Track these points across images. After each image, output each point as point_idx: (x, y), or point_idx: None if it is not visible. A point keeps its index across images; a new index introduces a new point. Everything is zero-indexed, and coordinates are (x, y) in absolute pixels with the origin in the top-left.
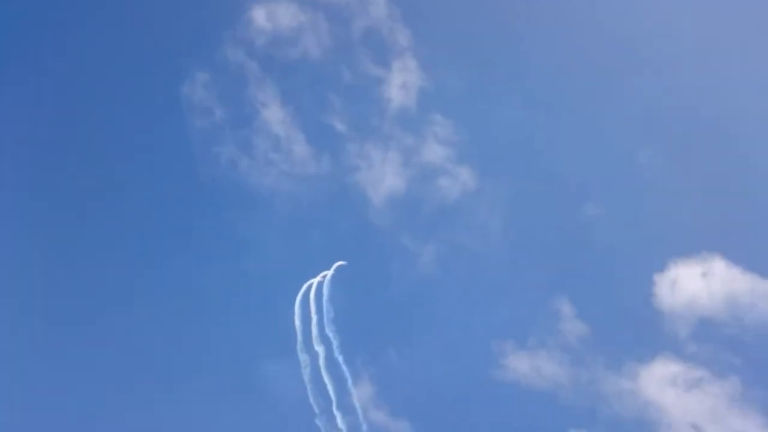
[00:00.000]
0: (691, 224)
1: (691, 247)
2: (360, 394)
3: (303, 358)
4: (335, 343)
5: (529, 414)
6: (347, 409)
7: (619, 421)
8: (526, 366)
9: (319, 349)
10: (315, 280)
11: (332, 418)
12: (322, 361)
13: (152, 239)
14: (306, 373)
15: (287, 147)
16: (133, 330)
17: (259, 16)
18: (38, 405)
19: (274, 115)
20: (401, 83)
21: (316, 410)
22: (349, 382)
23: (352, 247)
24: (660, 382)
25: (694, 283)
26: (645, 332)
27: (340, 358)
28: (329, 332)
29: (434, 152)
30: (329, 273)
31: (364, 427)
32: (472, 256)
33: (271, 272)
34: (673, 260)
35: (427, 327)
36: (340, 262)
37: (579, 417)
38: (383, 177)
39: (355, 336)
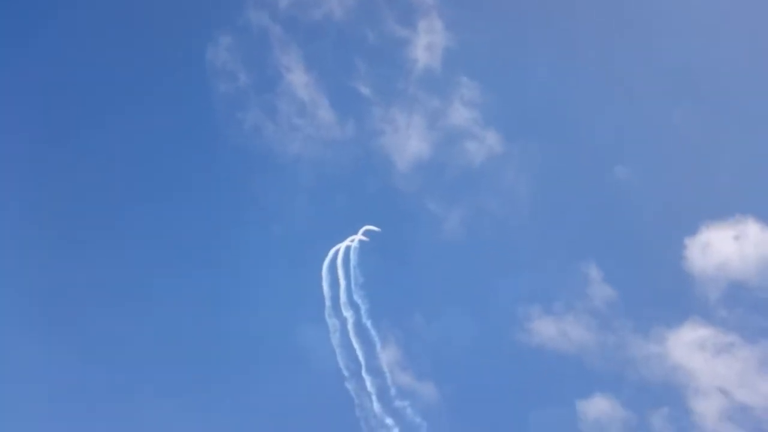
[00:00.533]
0: (724, 186)
1: (723, 210)
2: (386, 357)
3: (332, 322)
4: (363, 308)
5: (554, 378)
6: (375, 372)
7: (646, 385)
8: (553, 330)
9: (347, 313)
10: (342, 245)
11: (361, 381)
12: (350, 326)
13: (177, 207)
14: (335, 338)
15: (312, 111)
16: (161, 295)
17: None
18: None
19: (298, 79)
20: (426, 44)
21: (346, 374)
22: (378, 346)
23: (378, 212)
24: (689, 346)
25: (726, 247)
26: (674, 296)
27: (368, 323)
28: (357, 297)
29: (460, 115)
30: (357, 237)
31: (393, 390)
32: (498, 221)
33: (297, 238)
34: (705, 223)
35: (452, 291)
36: (369, 227)
37: (605, 381)
38: (408, 141)
39: (382, 300)
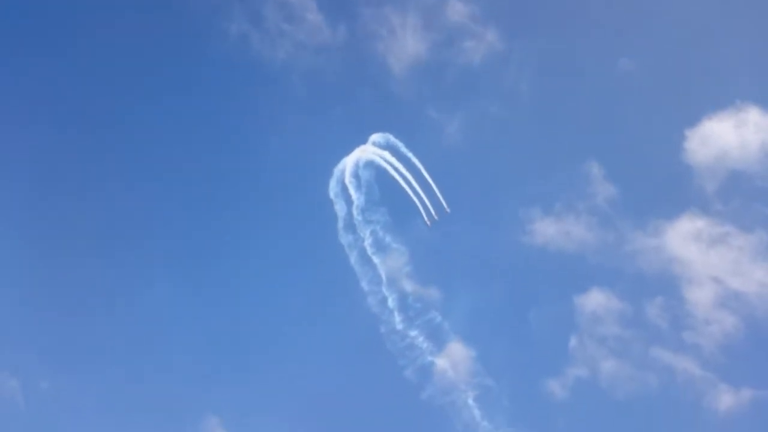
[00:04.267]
0: (725, 74)
1: (724, 99)
2: (390, 263)
3: (346, 239)
4: (369, 218)
5: (554, 276)
6: (376, 281)
7: (642, 277)
8: (554, 230)
9: (361, 230)
10: (353, 156)
11: (378, 293)
12: (367, 241)
13: (165, 124)
14: (353, 256)
15: (300, 15)
16: (167, 215)
17: None
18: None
19: None
20: None
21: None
22: (383, 254)
23: (376, 121)
24: (685, 238)
25: (727, 136)
26: (673, 189)
27: (380, 236)
28: (362, 206)
29: (457, 12)
30: (366, 149)
31: (410, 299)
32: (499, 123)
33: (293, 153)
34: (706, 114)
35: (455, 197)
36: (376, 135)
37: (603, 276)
38: (404, 43)
39: (384, 208)
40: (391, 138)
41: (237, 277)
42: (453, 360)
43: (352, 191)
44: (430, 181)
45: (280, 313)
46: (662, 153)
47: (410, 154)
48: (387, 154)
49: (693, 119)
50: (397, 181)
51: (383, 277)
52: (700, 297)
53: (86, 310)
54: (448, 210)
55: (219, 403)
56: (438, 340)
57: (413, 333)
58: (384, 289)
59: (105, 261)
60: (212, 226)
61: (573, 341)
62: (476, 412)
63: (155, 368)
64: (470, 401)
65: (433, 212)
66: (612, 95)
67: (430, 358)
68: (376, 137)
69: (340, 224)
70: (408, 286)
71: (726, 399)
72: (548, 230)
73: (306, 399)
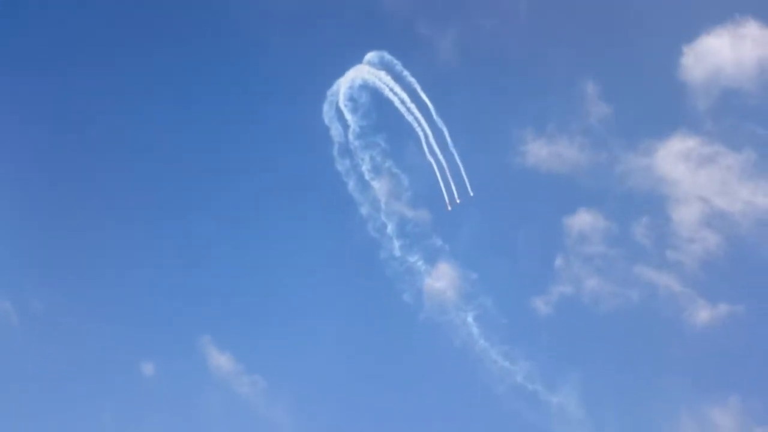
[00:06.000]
0: None
1: (724, 13)
2: (379, 186)
3: (341, 163)
4: (367, 143)
5: (543, 197)
6: (375, 206)
7: (630, 198)
8: (546, 152)
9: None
10: (347, 77)
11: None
12: (365, 166)
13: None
14: (350, 179)
15: None
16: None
17: None
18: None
19: None
20: None
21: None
22: (382, 179)
23: (367, 39)
24: (675, 157)
25: (723, 53)
26: (667, 107)
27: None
28: (358, 131)
29: None
30: (361, 68)
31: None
32: (492, 39)
33: (285, 75)
34: (705, 29)
35: (446, 116)
36: (371, 54)
37: (592, 197)
38: None
39: (374, 128)
40: (386, 56)
41: (233, 205)
42: (444, 282)
43: (347, 115)
44: (429, 104)
45: (277, 239)
46: (658, 70)
47: (406, 73)
48: (383, 75)
49: (691, 35)
50: (394, 104)
51: (382, 203)
52: (685, 216)
53: (78, 227)
54: (471, 193)
55: (211, 322)
56: (432, 262)
57: (411, 258)
58: (383, 216)
59: (98, 182)
60: (205, 158)
61: (559, 260)
62: (474, 330)
63: (150, 289)
64: (469, 319)
65: (456, 195)
66: (610, 11)
67: (427, 281)
68: (371, 56)
69: (336, 150)
70: (406, 211)
71: (703, 314)
72: (540, 152)
73: (301, 322)
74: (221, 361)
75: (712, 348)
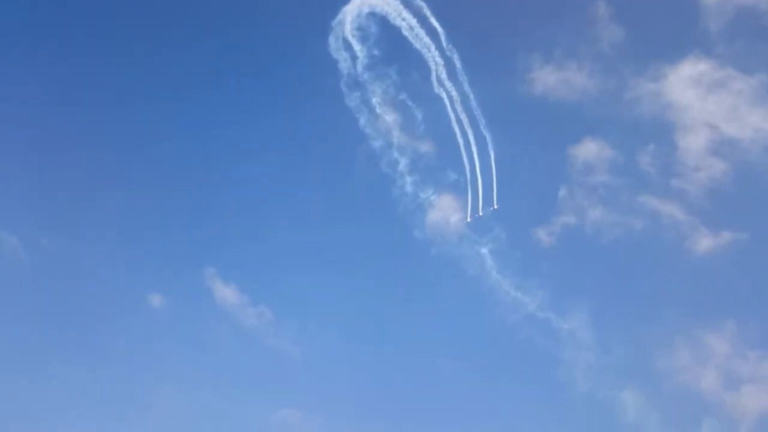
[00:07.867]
0: None
1: None
2: (387, 119)
3: (350, 99)
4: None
5: (548, 127)
6: (384, 134)
7: (637, 125)
8: (554, 79)
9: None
10: (354, 4)
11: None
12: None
13: None
14: (361, 114)
15: None
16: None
17: None
18: None
19: None
20: None
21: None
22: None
23: None
24: (685, 82)
25: None
26: (680, 29)
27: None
28: (366, 58)
29: None
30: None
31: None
32: None
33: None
34: None
35: (457, 43)
36: None
37: (598, 126)
38: None
39: (385, 59)
40: None
41: (244, 140)
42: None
43: (356, 45)
44: (440, 29)
45: (286, 175)
46: None
47: None
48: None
49: None
50: (403, 31)
51: (394, 138)
52: (692, 144)
53: (85, 168)
54: (496, 207)
55: (216, 255)
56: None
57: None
58: (395, 152)
59: (106, 126)
60: (208, 100)
61: (563, 191)
62: (488, 262)
63: (157, 223)
64: (483, 251)
65: (479, 208)
66: None
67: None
68: None
69: (344, 84)
70: (417, 144)
71: (705, 242)
72: (548, 79)
73: (308, 255)
74: (226, 293)
75: (711, 275)
